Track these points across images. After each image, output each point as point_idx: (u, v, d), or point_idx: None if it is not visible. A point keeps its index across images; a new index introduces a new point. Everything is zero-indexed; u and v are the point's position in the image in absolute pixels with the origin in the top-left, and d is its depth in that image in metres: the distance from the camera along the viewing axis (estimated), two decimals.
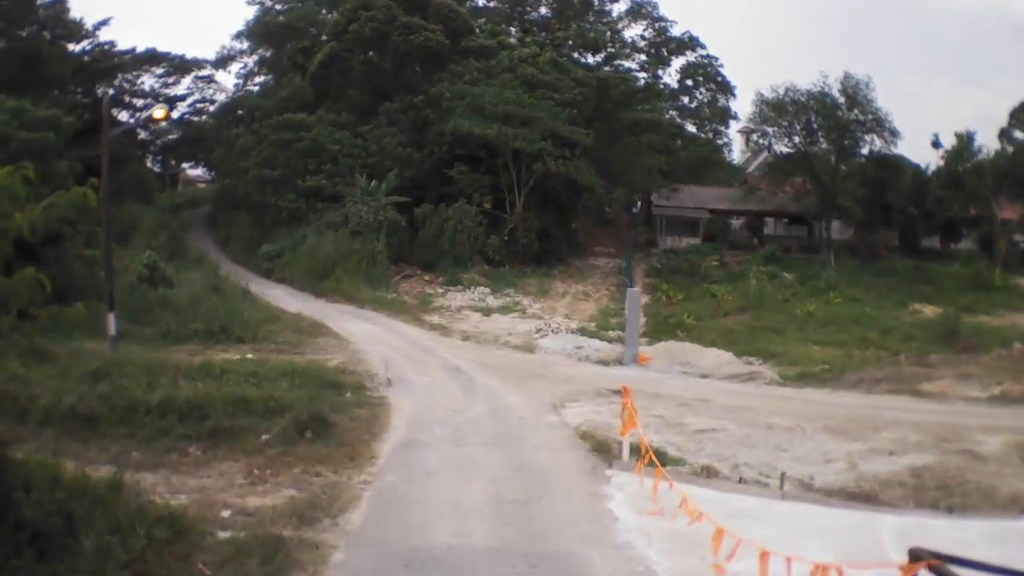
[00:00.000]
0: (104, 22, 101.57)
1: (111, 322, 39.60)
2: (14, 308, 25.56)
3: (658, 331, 55.57)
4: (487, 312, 62.55)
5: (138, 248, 68.69)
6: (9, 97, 57.48)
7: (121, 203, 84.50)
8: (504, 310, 63.76)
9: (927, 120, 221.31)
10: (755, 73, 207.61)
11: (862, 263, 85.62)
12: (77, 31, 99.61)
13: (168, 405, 29.17)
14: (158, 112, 47.65)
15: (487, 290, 69.92)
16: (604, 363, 46.21)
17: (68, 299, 47.83)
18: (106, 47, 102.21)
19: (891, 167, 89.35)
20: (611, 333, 54.68)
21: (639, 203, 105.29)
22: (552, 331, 54.49)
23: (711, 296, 67.73)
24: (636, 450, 25.64)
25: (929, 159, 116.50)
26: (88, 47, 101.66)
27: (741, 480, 25.97)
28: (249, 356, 42.36)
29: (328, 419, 29.80)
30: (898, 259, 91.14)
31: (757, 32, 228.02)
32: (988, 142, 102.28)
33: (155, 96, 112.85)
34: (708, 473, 26.31)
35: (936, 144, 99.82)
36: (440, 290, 70.53)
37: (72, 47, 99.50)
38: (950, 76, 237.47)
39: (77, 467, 21.11)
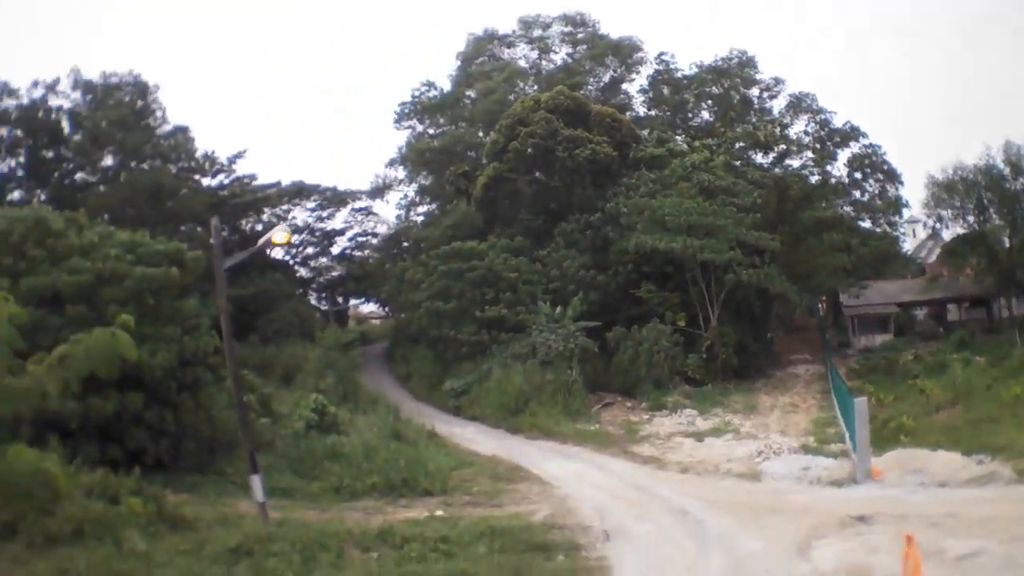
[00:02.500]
0: (239, 155, 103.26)
1: (257, 487, 32.85)
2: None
3: (879, 439, 49.03)
4: (699, 436, 56.96)
5: (304, 390, 65.05)
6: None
7: (282, 343, 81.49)
8: (716, 432, 58.39)
9: None
10: (911, 155, 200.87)
11: None
12: (209, 165, 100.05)
13: None
14: (279, 236, 43.04)
15: (694, 412, 64.97)
16: (836, 483, 41.65)
17: (218, 451, 43.43)
18: (245, 181, 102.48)
19: None
20: (833, 447, 50.29)
21: (823, 305, 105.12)
22: (774, 452, 49.92)
23: (919, 392, 62.73)
24: None
25: None
26: (225, 181, 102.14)
27: None
28: (438, 513, 37.26)
29: None
30: None
31: (905, 113, 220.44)
32: None
33: (311, 231, 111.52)
34: None
35: None
36: (645, 416, 65.57)
37: (206, 181, 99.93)
38: None
39: None
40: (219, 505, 36.05)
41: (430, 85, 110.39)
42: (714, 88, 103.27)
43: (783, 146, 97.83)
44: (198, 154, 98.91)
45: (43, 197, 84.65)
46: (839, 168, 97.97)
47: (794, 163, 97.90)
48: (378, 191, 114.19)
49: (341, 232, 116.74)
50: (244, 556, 27.24)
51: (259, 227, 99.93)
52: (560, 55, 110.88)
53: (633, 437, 58.32)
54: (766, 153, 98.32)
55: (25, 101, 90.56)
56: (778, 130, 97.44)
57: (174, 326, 44.81)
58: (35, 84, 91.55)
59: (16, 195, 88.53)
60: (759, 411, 64.94)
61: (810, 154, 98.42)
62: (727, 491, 41.44)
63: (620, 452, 53.66)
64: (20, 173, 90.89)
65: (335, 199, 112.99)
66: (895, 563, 25.26)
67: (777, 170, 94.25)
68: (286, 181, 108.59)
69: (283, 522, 32.34)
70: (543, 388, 66.65)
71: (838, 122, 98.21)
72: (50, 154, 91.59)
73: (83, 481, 30.67)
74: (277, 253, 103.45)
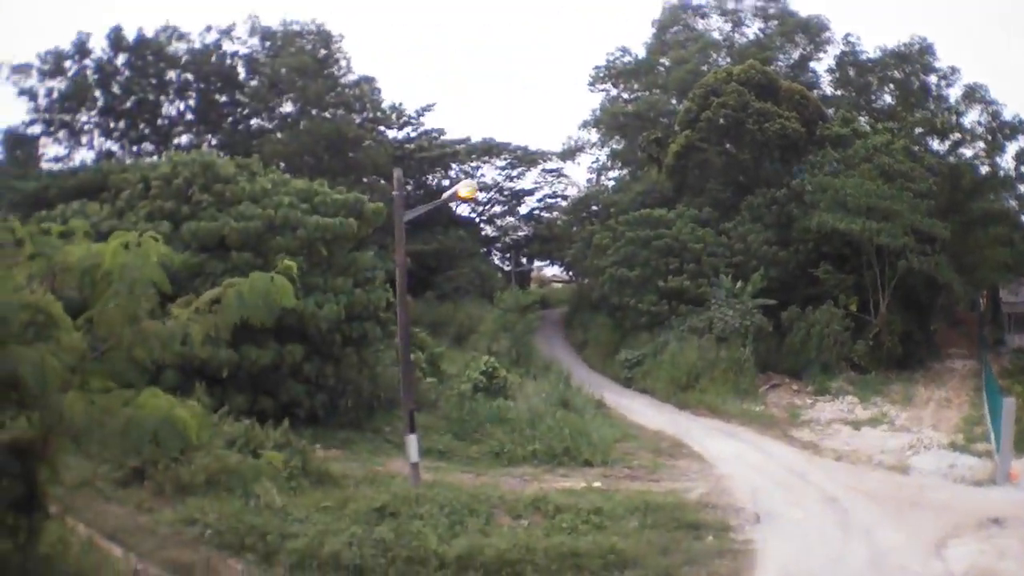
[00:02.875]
0: (428, 108, 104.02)
1: (412, 447, 33.07)
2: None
3: (1023, 440, 48.43)
4: (856, 425, 56.95)
5: (477, 352, 65.62)
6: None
7: (459, 302, 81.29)
8: (873, 422, 58.06)
9: None
10: None
11: None
12: (396, 117, 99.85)
13: (469, 560, 24.30)
14: (464, 189, 42.50)
15: (855, 399, 64.28)
16: (977, 483, 41.81)
17: (378, 408, 43.42)
18: (433, 135, 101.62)
19: None
20: (979, 446, 49.80)
21: (984, 300, 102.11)
22: (924, 447, 50.01)
23: None
24: None
25: None
26: (411, 134, 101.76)
27: None
28: (596, 484, 37.27)
29: None
30: None
31: None
32: None
33: (499, 189, 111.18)
34: None
35: None
36: (809, 400, 65.45)
37: (391, 133, 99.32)
38: None
39: None
40: (371, 463, 36.47)
41: (624, 51, 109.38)
42: (896, 72, 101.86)
43: (957, 135, 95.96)
44: (384, 105, 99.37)
45: (213, 142, 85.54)
46: (1007, 160, 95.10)
47: (966, 152, 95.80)
48: (569, 153, 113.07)
49: (530, 192, 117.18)
50: (388, 516, 27.33)
51: (445, 183, 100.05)
52: (752, 29, 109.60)
53: (795, 421, 58.69)
54: (942, 140, 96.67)
55: (197, 46, 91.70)
56: (954, 118, 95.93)
57: (346, 278, 45.03)
58: (208, 29, 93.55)
59: (184, 139, 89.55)
60: (915, 403, 64.43)
61: (982, 144, 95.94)
62: (876, 482, 41.73)
63: (781, 435, 54.13)
64: (189, 117, 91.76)
65: (525, 158, 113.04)
66: (1021, 570, 26.18)
67: (951, 158, 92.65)
68: (475, 138, 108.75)
69: (434, 484, 32.54)
70: (715, 364, 66.21)
71: (1007, 115, 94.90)
72: (223, 99, 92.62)
73: (225, 431, 30.78)
74: (463, 210, 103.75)
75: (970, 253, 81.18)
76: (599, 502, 31.68)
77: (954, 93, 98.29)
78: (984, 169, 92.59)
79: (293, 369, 40.73)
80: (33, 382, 12.38)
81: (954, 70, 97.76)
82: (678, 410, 61.50)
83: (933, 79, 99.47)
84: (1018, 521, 31.42)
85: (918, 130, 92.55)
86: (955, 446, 49.44)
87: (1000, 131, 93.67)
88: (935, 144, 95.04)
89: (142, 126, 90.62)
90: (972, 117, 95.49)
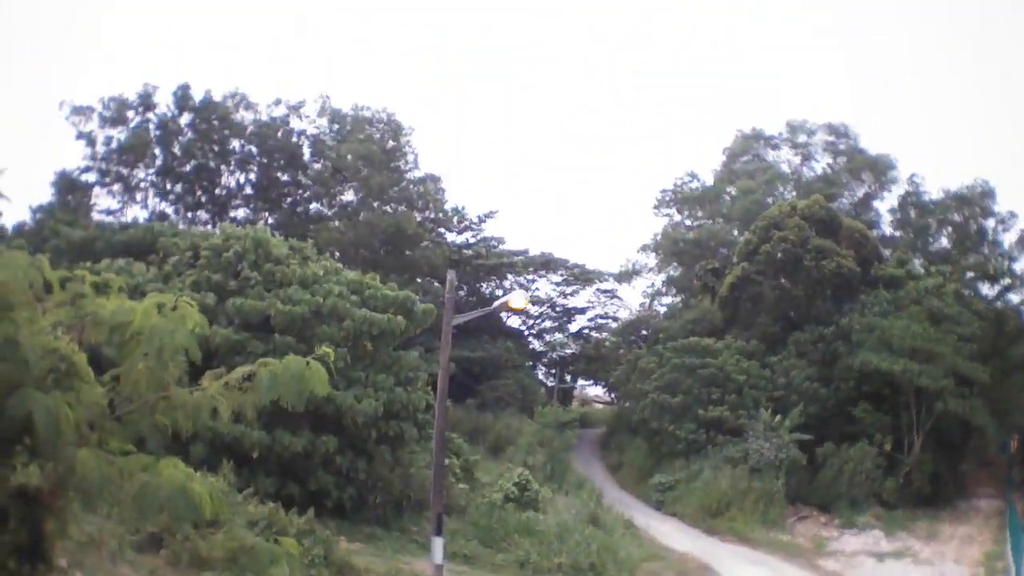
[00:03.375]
0: (490, 215, 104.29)
1: (437, 549, 32.54)
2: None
3: None
4: (881, 557, 58.37)
5: (512, 463, 65.30)
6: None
7: (499, 412, 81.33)
8: (897, 555, 59.30)
9: None
10: None
11: None
12: (457, 219, 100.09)
13: None
14: (517, 301, 42.85)
15: (881, 533, 64.72)
16: None
17: (406, 508, 43.28)
18: (492, 243, 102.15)
19: None
20: None
21: (1014, 443, 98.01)
22: None
23: None
24: None
25: None
26: (470, 240, 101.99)
27: None
28: None
29: None
30: None
31: None
32: None
33: (552, 305, 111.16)
34: None
35: None
36: (836, 533, 65.99)
37: (451, 237, 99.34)
38: None
39: None
40: (394, 561, 35.85)
41: (693, 176, 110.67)
42: (955, 216, 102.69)
43: (1008, 280, 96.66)
44: (447, 206, 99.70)
45: (270, 220, 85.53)
46: None
47: (1014, 298, 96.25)
48: (626, 275, 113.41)
49: (582, 311, 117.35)
50: None
51: (499, 292, 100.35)
52: (820, 164, 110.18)
53: (821, 551, 59.89)
54: (992, 285, 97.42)
55: (264, 117, 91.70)
56: (1006, 263, 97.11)
57: (388, 375, 44.90)
58: (277, 102, 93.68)
59: (240, 212, 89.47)
60: (939, 539, 64.66)
61: None
62: None
63: (806, 564, 55.18)
64: (248, 191, 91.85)
65: (581, 276, 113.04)
66: None
67: (998, 303, 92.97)
68: (533, 250, 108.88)
69: None
70: (747, 494, 67.28)
71: None
72: (285, 178, 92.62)
73: (249, 511, 30.56)
74: (513, 321, 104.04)
75: (1006, 397, 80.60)
76: None
77: (1009, 238, 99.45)
78: None
79: (325, 459, 40.60)
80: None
81: (1013, 215, 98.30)
82: (706, 535, 61.88)
83: (991, 223, 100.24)
84: None
85: (970, 274, 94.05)
86: None
87: None
88: (984, 288, 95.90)
89: (199, 192, 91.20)
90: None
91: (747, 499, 66.61)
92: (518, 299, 43.37)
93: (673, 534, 60.51)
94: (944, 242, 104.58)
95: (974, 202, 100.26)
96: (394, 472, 44.45)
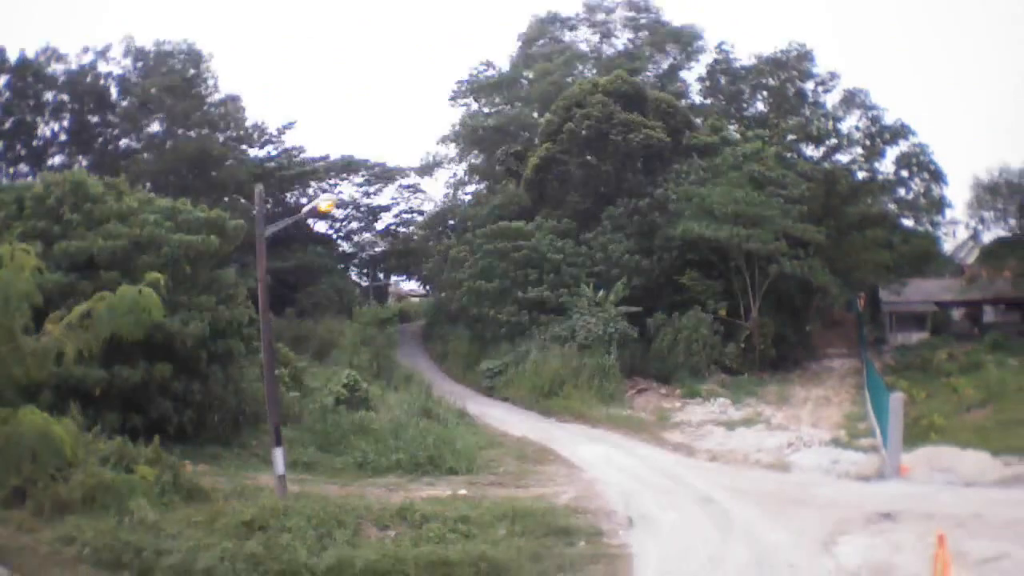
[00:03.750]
0: (288, 126, 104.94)
1: (278, 459, 32.90)
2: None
3: (909, 435, 48.02)
4: (731, 426, 56.82)
5: (339, 366, 65.46)
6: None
7: (319, 317, 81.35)
8: (748, 422, 57.94)
9: None
10: (963, 158, 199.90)
11: None
12: (257, 135, 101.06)
13: (339, 572, 24.24)
14: (323, 203, 43.71)
15: (727, 401, 64.52)
16: (864, 478, 41.56)
17: (244, 423, 43.39)
18: (293, 152, 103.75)
19: None
20: (864, 441, 49.92)
21: (861, 301, 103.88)
22: (804, 444, 49.69)
23: (952, 391, 62.66)
24: None
25: None
26: (272, 152, 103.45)
27: None
28: (462, 492, 37.09)
29: None
30: None
31: (959, 114, 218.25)
32: None
33: (356, 206, 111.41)
34: None
35: None
36: (678, 404, 65.05)
37: (253, 152, 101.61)
38: None
39: None
40: (239, 478, 36.05)
41: (488, 64, 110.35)
42: (770, 80, 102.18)
43: (834, 140, 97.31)
44: (247, 124, 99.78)
45: (85, 163, 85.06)
46: (887, 165, 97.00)
47: (843, 158, 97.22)
48: (427, 168, 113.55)
49: (387, 208, 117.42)
50: (257, 530, 26.94)
51: (304, 200, 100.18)
52: (621, 40, 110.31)
53: (665, 424, 58.17)
54: (817, 146, 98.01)
55: (74, 66, 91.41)
56: (830, 124, 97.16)
57: (209, 296, 44.84)
58: (85, 50, 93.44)
59: (57, 160, 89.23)
60: (792, 403, 64.52)
61: (859, 150, 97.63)
62: (755, 481, 41.25)
63: (651, 438, 53.45)
64: (63, 138, 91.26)
65: (383, 175, 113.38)
66: (919, 562, 25.49)
67: (826, 164, 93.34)
68: (335, 155, 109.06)
69: (301, 496, 32.32)
70: (579, 371, 66.38)
71: (889, 119, 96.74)
72: (95, 120, 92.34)
73: (100, 448, 30.72)
74: (320, 227, 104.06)
75: (847, 256, 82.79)
76: (466, 510, 31.51)
77: (832, 99, 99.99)
78: (861, 174, 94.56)
79: (162, 387, 40.42)
80: None
81: (833, 76, 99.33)
82: (542, 417, 61.41)
83: (810, 85, 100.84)
84: (911, 515, 31.70)
85: (791, 137, 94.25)
86: (837, 442, 49.72)
87: (880, 136, 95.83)
88: (809, 151, 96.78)
89: (19, 147, 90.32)
90: (851, 123, 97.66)
91: (580, 376, 65.83)
92: (325, 202, 44.37)
93: (508, 419, 59.72)
94: (760, 107, 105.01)
95: (790, 66, 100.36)
96: (227, 389, 44.33)
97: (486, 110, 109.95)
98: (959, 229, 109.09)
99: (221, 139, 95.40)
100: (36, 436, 15.78)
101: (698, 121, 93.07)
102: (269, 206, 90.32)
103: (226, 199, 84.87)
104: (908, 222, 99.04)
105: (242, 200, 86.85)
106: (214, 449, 40.75)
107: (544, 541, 28.75)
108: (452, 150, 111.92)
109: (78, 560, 24.85)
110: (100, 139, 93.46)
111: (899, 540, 28.74)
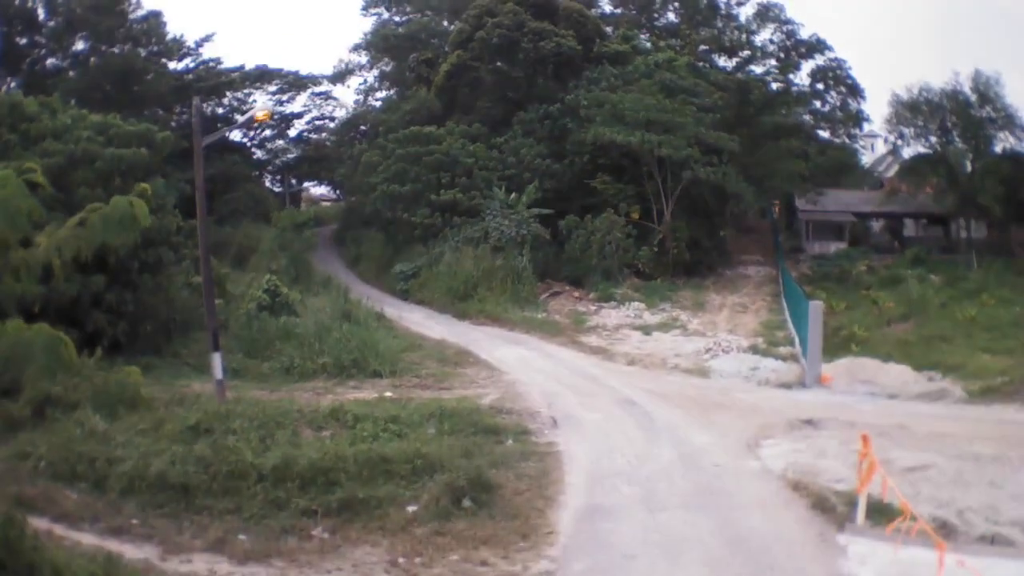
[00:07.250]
0: (207, 38, 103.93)
1: (216, 364, 33.91)
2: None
3: (829, 346, 48.78)
4: (647, 330, 57.40)
5: (257, 272, 65.18)
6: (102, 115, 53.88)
7: (237, 224, 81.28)
8: (664, 327, 58.63)
9: None
10: (882, 74, 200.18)
11: (1003, 262, 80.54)
12: (177, 48, 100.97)
13: (285, 470, 24.79)
14: (260, 112, 44.57)
15: (642, 305, 65.00)
16: (785, 386, 42.32)
17: (174, 332, 43.82)
18: (211, 64, 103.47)
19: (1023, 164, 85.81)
20: (783, 350, 50.43)
21: (776, 209, 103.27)
22: (722, 351, 49.92)
23: (872, 304, 62.83)
24: (877, 511, 22.67)
25: None
26: (191, 65, 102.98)
27: (994, 541, 22.08)
28: (387, 394, 37.68)
29: (490, 482, 25.05)
30: None
31: (878, 32, 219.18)
32: None
33: (270, 114, 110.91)
34: (947, 530, 22.06)
35: None
36: (592, 307, 65.56)
37: (173, 65, 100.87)
38: None
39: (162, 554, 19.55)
40: (175, 386, 36.35)
41: None
42: None
43: (747, 52, 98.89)
44: (168, 38, 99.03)
45: (14, 84, 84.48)
46: (802, 78, 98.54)
47: (757, 69, 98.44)
48: (339, 76, 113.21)
49: (299, 115, 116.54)
50: (203, 433, 27.69)
51: (219, 111, 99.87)
52: None
53: (580, 327, 59.01)
54: (730, 58, 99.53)
55: None
56: (743, 36, 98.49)
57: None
58: None
59: None
60: (707, 309, 65.30)
61: (774, 62, 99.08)
62: (675, 385, 42.11)
63: (568, 341, 54.10)
64: None
65: (296, 83, 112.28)
66: (843, 468, 26.19)
67: (740, 75, 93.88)
68: (250, 65, 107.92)
69: (238, 401, 32.79)
70: (493, 274, 67.34)
71: (804, 34, 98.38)
72: (23, 41, 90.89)
73: None
74: (235, 136, 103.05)
75: (761, 164, 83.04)
76: (394, 411, 32.29)
77: (746, 12, 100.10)
78: (776, 86, 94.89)
79: (95, 299, 40.86)
80: None
81: None
82: (458, 320, 61.85)
83: None
84: (834, 422, 32.42)
85: (704, 48, 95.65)
86: (756, 350, 50.30)
87: (795, 50, 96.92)
88: (723, 62, 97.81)
89: None
90: (765, 36, 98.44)
91: (494, 279, 66.46)
92: (262, 111, 46.12)
93: (425, 322, 60.14)
94: (672, 18, 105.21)
95: None
96: (158, 298, 44.82)
97: (397, 19, 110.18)
98: (877, 143, 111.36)
99: (144, 54, 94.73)
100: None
101: (609, 30, 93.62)
102: (185, 116, 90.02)
103: (146, 112, 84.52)
104: (825, 134, 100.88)
105: (160, 112, 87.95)
106: (148, 360, 40.37)
107: (474, 440, 29.40)
108: (364, 58, 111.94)
109: (35, 474, 25.38)
110: (28, 60, 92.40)
111: (823, 446, 29.62)
